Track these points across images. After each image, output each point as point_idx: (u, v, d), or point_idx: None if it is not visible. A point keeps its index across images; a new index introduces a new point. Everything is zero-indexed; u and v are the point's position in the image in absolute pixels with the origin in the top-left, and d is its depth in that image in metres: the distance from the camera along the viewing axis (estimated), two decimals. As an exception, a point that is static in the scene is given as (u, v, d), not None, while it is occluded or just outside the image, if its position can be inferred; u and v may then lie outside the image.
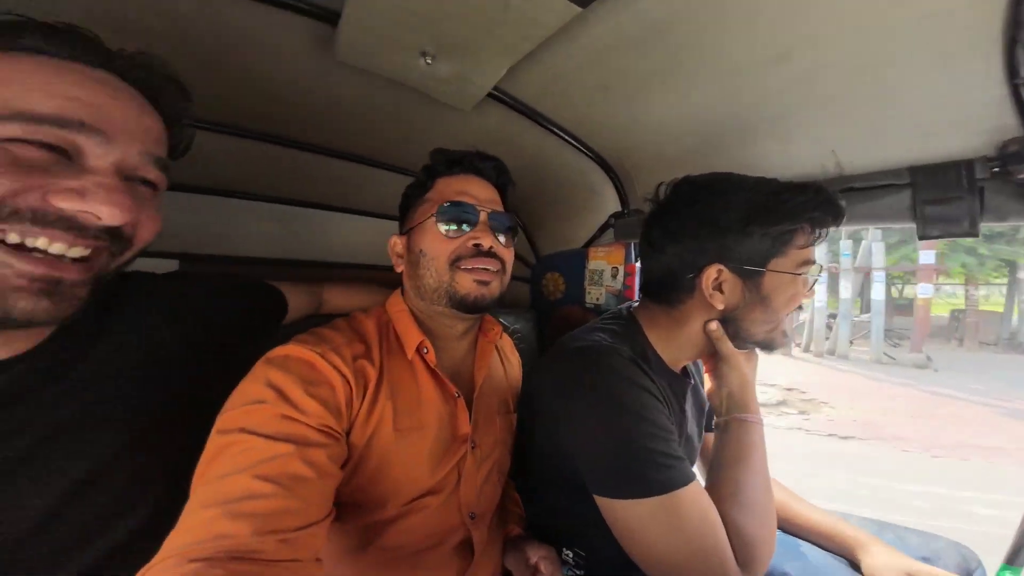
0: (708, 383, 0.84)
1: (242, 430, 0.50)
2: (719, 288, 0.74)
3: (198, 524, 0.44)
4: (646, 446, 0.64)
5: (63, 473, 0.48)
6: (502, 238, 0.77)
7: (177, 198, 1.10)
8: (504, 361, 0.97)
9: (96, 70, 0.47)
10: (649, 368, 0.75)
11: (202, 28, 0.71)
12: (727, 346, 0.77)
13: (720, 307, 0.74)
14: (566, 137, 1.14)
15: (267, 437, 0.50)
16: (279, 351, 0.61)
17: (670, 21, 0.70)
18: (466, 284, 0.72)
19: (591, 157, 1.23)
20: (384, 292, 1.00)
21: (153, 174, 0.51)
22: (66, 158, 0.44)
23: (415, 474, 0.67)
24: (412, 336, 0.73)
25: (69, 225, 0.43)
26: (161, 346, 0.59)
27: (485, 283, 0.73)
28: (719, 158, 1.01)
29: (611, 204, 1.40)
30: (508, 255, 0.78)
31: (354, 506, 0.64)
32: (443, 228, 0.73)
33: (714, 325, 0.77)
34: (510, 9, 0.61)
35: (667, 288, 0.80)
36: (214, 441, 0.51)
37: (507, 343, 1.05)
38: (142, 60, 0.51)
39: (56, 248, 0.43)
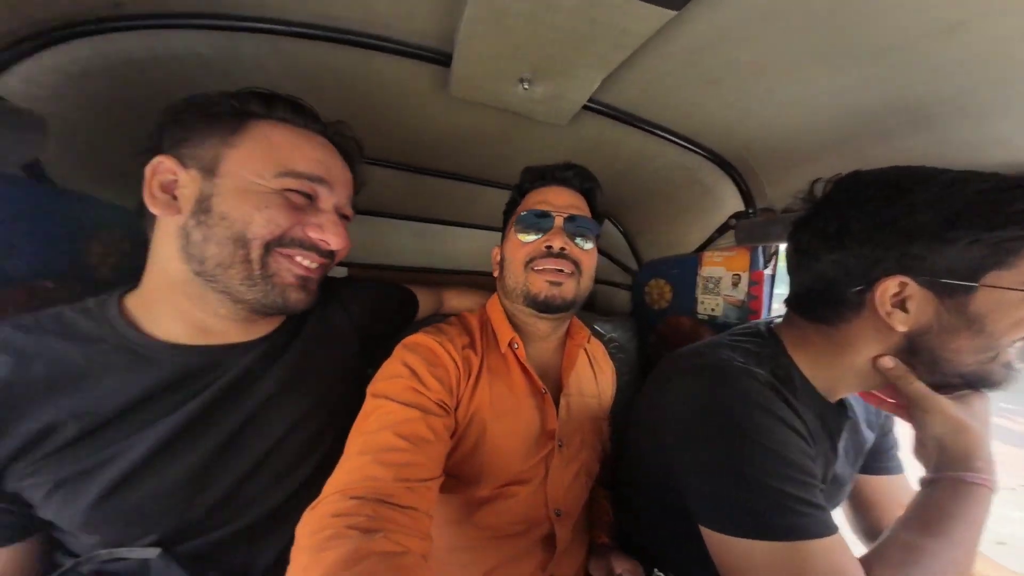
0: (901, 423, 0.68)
1: (385, 397, 0.64)
2: (901, 306, 0.59)
3: (355, 467, 0.56)
4: (775, 486, 0.56)
5: (273, 427, 0.64)
6: (581, 241, 0.79)
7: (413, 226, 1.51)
8: (594, 366, 0.95)
9: (317, 135, 0.66)
10: (793, 396, 0.63)
11: (356, 79, 0.84)
12: (916, 386, 0.60)
13: (902, 329, 0.60)
14: (670, 136, 1.05)
15: (402, 403, 0.63)
16: (412, 338, 0.75)
17: (784, 7, 0.59)
18: (538, 284, 0.76)
19: (703, 154, 1.10)
20: (487, 295, 1.11)
21: (349, 211, 0.71)
22: (311, 201, 0.63)
23: (506, 457, 0.72)
24: (505, 332, 0.80)
25: (314, 247, 0.63)
26: (338, 333, 0.78)
27: (557, 284, 0.76)
28: (879, 149, 0.81)
29: (730, 203, 1.23)
30: (586, 257, 0.80)
31: (455, 479, 0.71)
32: (521, 235, 0.80)
33: (889, 363, 0.61)
34: (597, 25, 0.62)
35: (824, 303, 0.66)
36: (366, 405, 0.65)
37: (598, 349, 1.02)
38: (341, 127, 0.71)
39: (307, 262, 0.63)
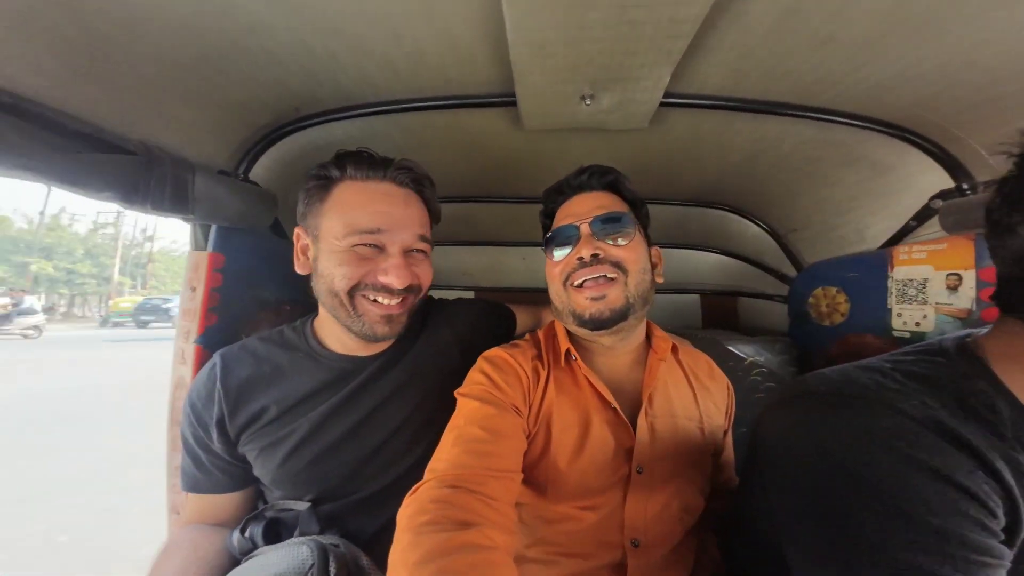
0: None
1: (470, 397, 0.70)
2: None
3: (448, 457, 0.62)
4: (902, 558, 0.41)
5: (388, 421, 0.78)
6: (616, 238, 0.73)
7: (471, 250, 1.67)
8: (695, 386, 0.81)
9: (383, 183, 0.74)
10: (995, 435, 0.44)
11: (451, 132, 0.96)
12: None
13: None
14: (790, 112, 0.85)
15: (484, 402, 0.69)
16: (489, 352, 0.80)
17: None
18: (581, 303, 0.73)
19: (858, 124, 0.86)
20: None
21: (422, 245, 0.77)
22: (381, 249, 0.72)
23: (573, 472, 0.69)
24: (562, 344, 0.78)
25: (387, 289, 0.72)
26: (444, 346, 0.88)
27: (599, 297, 0.71)
28: None
29: (925, 180, 0.90)
30: (627, 253, 0.73)
31: (529, 486, 0.71)
32: (553, 255, 0.78)
33: None
34: (638, 25, 0.59)
35: None
36: (458, 403, 0.72)
37: (703, 366, 0.87)
38: (403, 164, 0.76)
39: (386, 300, 0.73)
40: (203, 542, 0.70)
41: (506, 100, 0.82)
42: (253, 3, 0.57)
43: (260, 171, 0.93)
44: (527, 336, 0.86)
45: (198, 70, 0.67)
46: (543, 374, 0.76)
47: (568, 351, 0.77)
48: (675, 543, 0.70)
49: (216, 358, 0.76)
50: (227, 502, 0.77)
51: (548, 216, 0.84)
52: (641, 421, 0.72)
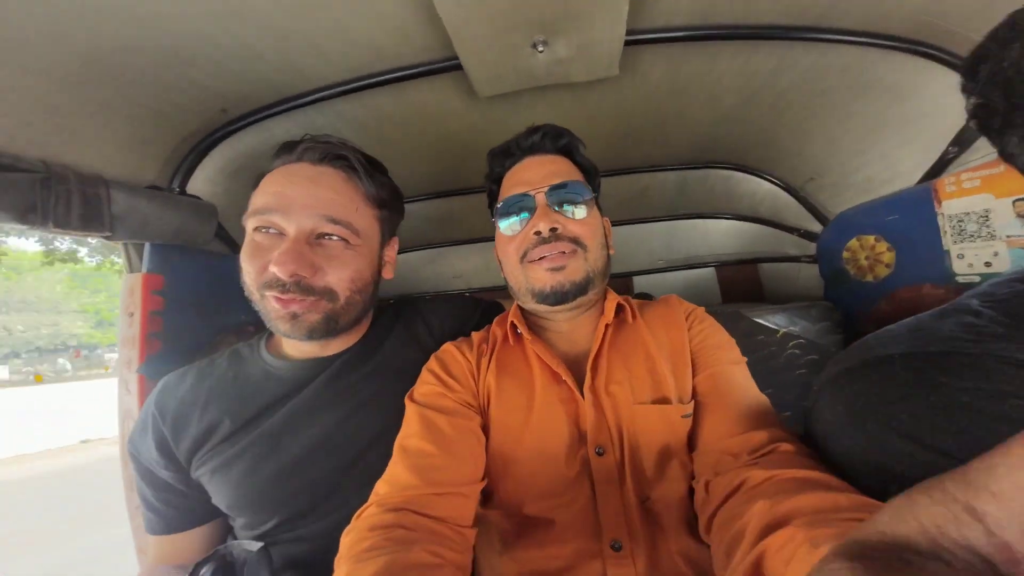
0: None
1: (414, 402, 0.64)
2: None
3: (391, 476, 0.57)
4: None
5: (366, 429, 0.68)
6: (572, 209, 0.67)
7: (459, 250, 1.57)
8: (655, 346, 0.66)
9: (296, 164, 0.65)
10: None
11: (399, 114, 0.87)
12: None
13: None
14: (784, 34, 0.73)
15: (428, 407, 0.63)
16: (441, 348, 0.73)
17: None
18: (539, 276, 0.65)
19: (868, 42, 0.73)
20: None
21: (330, 228, 0.64)
22: (278, 235, 0.63)
23: (525, 463, 0.61)
24: (509, 318, 0.72)
25: (277, 282, 0.61)
26: (420, 346, 0.78)
27: (559, 268, 0.64)
28: None
29: (955, 100, 0.74)
30: (583, 227, 0.67)
31: (491, 495, 0.64)
32: (504, 229, 0.70)
33: None
34: None
35: None
36: (407, 409, 0.65)
37: (660, 316, 0.71)
38: (319, 140, 0.67)
39: (281, 295, 0.62)
40: None
41: (449, 65, 0.73)
42: (151, 5, 0.52)
43: (201, 184, 0.87)
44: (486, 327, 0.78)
45: (96, 81, 0.62)
46: (486, 356, 0.70)
47: (513, 324, 0.70)
48: (667, 544, 0.57)
49: (159, 383, 0.70)
50: (187, 541, 0.69)
51: (495, 181, 0.75)
52: (586, 391, 0.62)
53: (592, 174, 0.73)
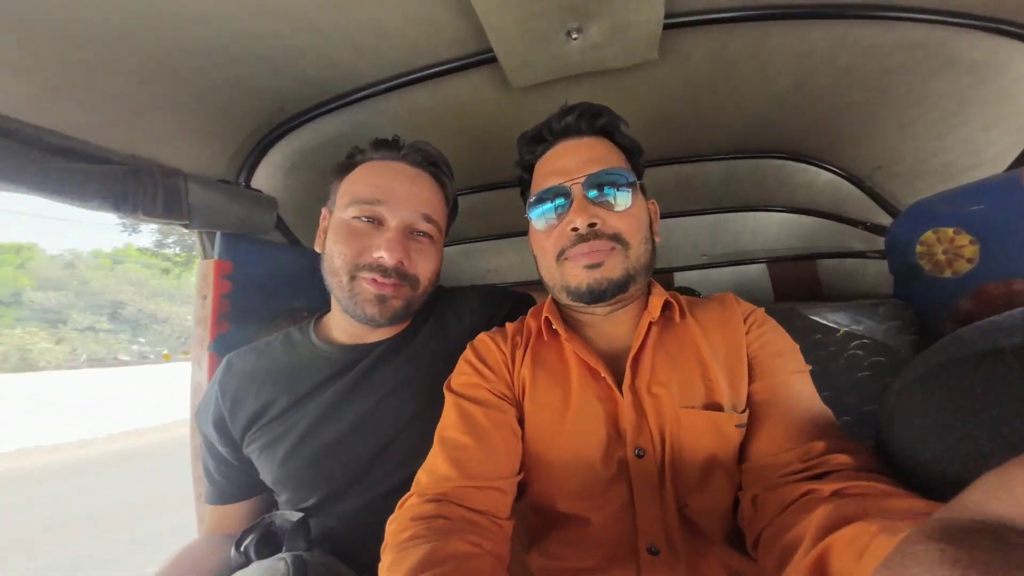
0: None
1: (452, 392, 0.65)
2: None
3: (431, 467, 0.58)
4: None
5: (396, 415, 0.72)
6: (614, 200, 0.61)
7: (493, 245, 1.56)
8: (706, 347, 0.61)
9: (396, 162, 0.73)
10: None
11: (441, 110, 0.90)
12: None
13: None
14: (842, 14, 0.68)
15: (466, 399, 0.62)
16: (476, 338, 0.72)
17: None
18: (575, 274, 0.61)
19: (941, 20, 0.67)
20: None
21: (425, 226, 0.72)
22: (380, 225, 0.69)
23: (559, 460, 0.59)
24: (544, 314, 0.69)
25: (380, 267, 0.68)
26: (453, 335, 0.81)
27: (596, 265, 0.60)
28: None
29: None
30: (625, 221, 0.61)
31: (526, 490, 0.63)
32: (538, 224, 0.65)
33: None
34: None
35: None
36: (445, 399, 0.65)
37: (716, 315, 0.65)
38: (419, 147, 0.75)
39: (379, 278, 0.69)
40: (208, 555, 0.68)
41: (483, 58, 0.74)
42: (201, 5, 0.56)
43: (263, 179, 0.94)
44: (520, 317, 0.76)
45: (173, 82, 0.68)
46: (521, 348, 0.68)
47: (547, 320, 0.67)
48: (708, 553, 0.54)
49: (223, 361, 0.76)
50: (238, 512, 0.75)
51: (526, 170, 0.70)
52: (625, 390, 0.59)
53: (635, 154, 0.68)
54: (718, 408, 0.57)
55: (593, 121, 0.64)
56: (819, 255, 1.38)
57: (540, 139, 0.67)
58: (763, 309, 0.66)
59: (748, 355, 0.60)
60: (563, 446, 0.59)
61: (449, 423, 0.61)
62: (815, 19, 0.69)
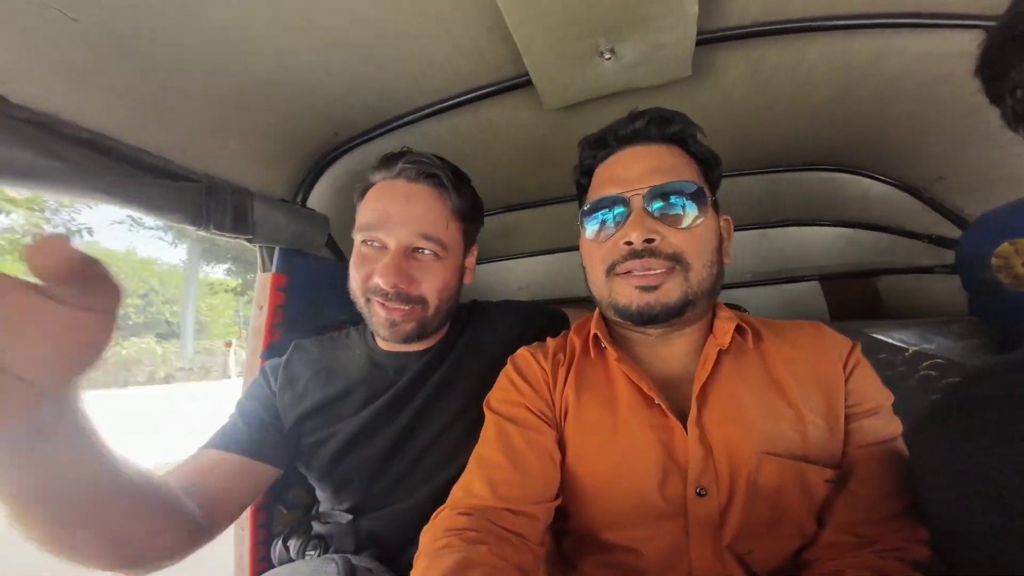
0: None
1: (491, 410, 0.63)
2: None
3: (466, 482, 0.57)
4: None
5: (433, 424, 0.74)
6: (681, 219, 0.55)
7: (525, 262, 1.59)
8: (785, 377, 0.56)
9: (395, 180, 0.72)
10: None
11: (482, 134, 0.93)
12: None
13: None
14: (882, 20, 0.66)
15: (504, 417, 0.61)
16: (516, 353, 0.70)
17: None
18: (625, 292, 0.57)
19: (985, 25, 0.63)
20: None
21: (421, 244, 0.70)
22: (381, 247, 0.70)
23: (603, 484, 0.56)
24: (591, 330, 0.65)
25: (381, 291, 0.69)
26: (486, 349, 0.82)
27: (650, 288, 0.55)
28: None
29: None
30: (688, 240, 0.55)
31: (566, 515, 0.59)
32: (590, 234, 0.61)
33: None
34: None
35: None
36: (486, 415, 0.64)
37: (802, 344, 0.59)
38: (413, 159, 0.72)
39: (385, 303, 0.69)
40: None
41: (519, 81, 0.77)
42: (272, 33, 0.62)
43: (317, 199, 1.01)
44: (564, 332, 0.73)
45: (249, 109, 0.75)
46: (564, 366, 0.64)
47: (596, 336, 0.63)
48: None
49: (291, 345, 0.82)
50: (244, 471, 0.66)
51: (585, 174, 0.66)
52: (691, 424, 0.53)
53: (711, 165, 0.61)
54: (807, 460, 0.51)
55: (664, 127, 0.59)
56: (881, 271, 1.30)
57: (603, 144, 0.63)
58: (858, 345, 0.59)
59: (846, 407, 0.54)
60: (608, 473, 0.55)
61: (486, 440, 0.60)
62: (855, 29, 0.68)
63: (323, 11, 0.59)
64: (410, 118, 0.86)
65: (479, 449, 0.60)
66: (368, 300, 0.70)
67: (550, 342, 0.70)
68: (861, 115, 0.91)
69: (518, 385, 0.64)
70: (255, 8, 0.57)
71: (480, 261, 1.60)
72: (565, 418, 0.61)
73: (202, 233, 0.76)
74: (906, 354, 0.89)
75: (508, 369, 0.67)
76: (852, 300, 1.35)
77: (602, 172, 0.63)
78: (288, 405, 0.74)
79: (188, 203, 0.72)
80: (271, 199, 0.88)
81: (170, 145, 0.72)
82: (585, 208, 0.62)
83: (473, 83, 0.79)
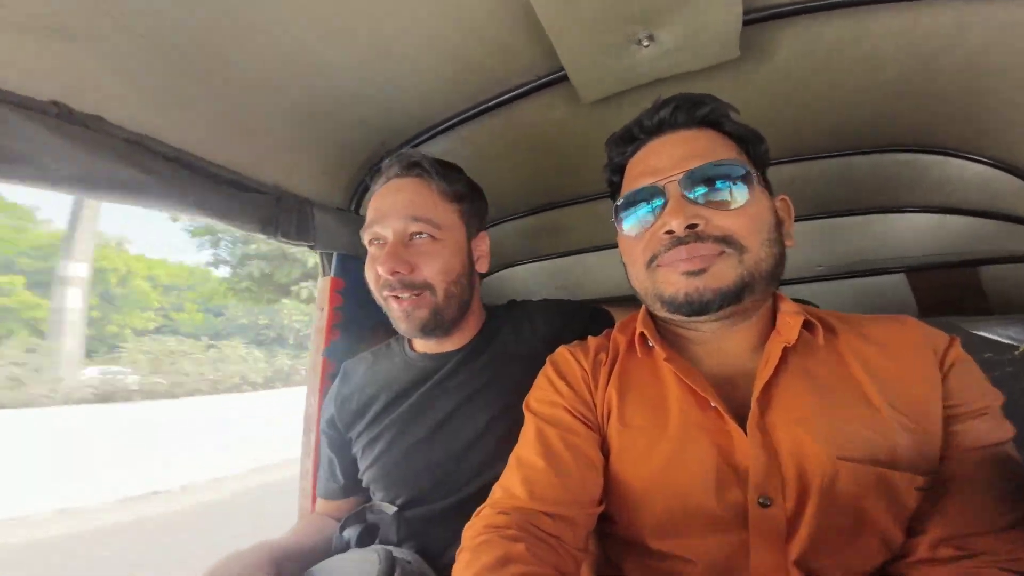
0: None
1: (530, 410, 0.62)
2: None
3: (506, 483, 0.56)
4: None
5: (472, 422, 0.75)
6: (725, 197, 0.52)
7: (563, 262, 1.49)
8: (864, 374, 0.50)
9: (387, 182, 0.76)
10: None
11: (518, 133, 0.94)
12: None
13: None
14: None
15: (542, 419, 0.60)
16: (555, 352, 0.68)
17: None
18: (671, 280, 0.53)
19: None
20: None
21: (416, 227, 0.72)
22: (384, 243, 0.74)
23: (651, 490, 0.53)
24: (637, 327, 0.62)
25: (386, 282, 0.72)
26: (525, 347, 0.82)
27: (698, 272, 0.51)
28: None
29: None
30: (738, 221, 0.51)
31: (611, 520, 0.57)
32: (627, 230, 0.58)
33: None
34: None
35: None
36: (525, 417, 0.63)
37: (885, 339, 0.53)
38: (396, 160, 0.77)
39: (396, 295, 0.73)
40: (323, 528, 0.79)
41: (554, 77, 0.77)
42: (325, 51, 0.67)
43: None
44: (609, 330, 0.71)
45: (311, 123, 0.82)
46: (606, 365, 0.62)
47: (643, 335, 0.60)
48: None
49: (340, 369, 0.87)
50: (339, 508, 0.84)
51: (615, 172, 0.64)
52: (751, 427, 0.49)
53: (753, 143, 0.58)
54: (892, 466, 0.45)
55: (693, 112, 0.57)
56: (982, 260, 1.13)
57: (630, 138, 0.61)
58: (958, 339, 0.52)
59: (945, 408, 0.47)
60: (656, 478, 0.52)
61: (525, 442, 0.60)
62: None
63: (366, 24, 0.63)
64: (449, 123, 0.88)
65: (518, 450, 0.59)
66: (385, 299, 0.74)
67: (591, 341, 0.68)
68: (944, 91, 0.80)
69: (557, 386, 0.62)
70: (311, 29, 0.63)
71: (521, 261, 1.59)
72: (608, 420, 0.58)
73: (271, 240, 0.84)
74: (1016, 352, 0.77)
75: (547, 369, 0.66)
76: (947, 293, 1.19)
77: (634, 166, 0.60)
78: (346, 423, 0.81)
79: (259, 213, 0.80)
80: (329, 207, 0.95)
81: (243, 160, 0.80)
82: (619, 203, 0.59)
83: (507, 83, 0.80)
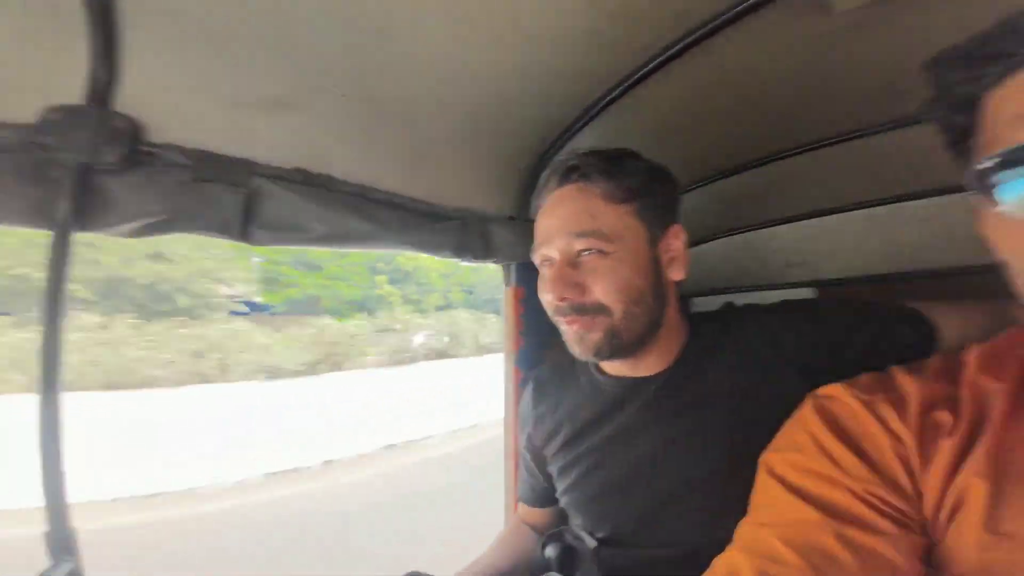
0: None
1: (772, 474, 0.44)
2: None
3: (734, 563, 0.41)
4: None
5: (683, 464, 0.64)
6: None
7: (792, 228, 1.09)
8: None
9: (556, 190, 0.66)
10: None
11: (715, 72, 0.74)
12: None
13: None
14: None
15: (797, 495, 0.41)
16: (826, 390, 0.47)
17: None
18: None
19: None
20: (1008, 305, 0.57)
21: (580, 244, 0.62)
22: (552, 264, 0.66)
23: None
24: None
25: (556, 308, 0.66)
26: (762, 370, 0.65)
27: None
28: None
29: None
30: None
31: None
32: (1007, 202, 0.34)
33: None
34: None
35: None
36: (757, 477, 0.46)
37: None
38: (563, 161, 0.67)
39: (567, 319, 0.65)
40: (522, 542, 0.83)
41: None
42: (480, 69, 0.66)
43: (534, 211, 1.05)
44: (928, 361, 0.47)
45: (485, 144, 0.83)
46: (948, 427, 0.40)
47: None
48: None
49: (531, 381, 0.86)
50: (537, 515, 0.87)
51: (962, 108, 0.39)
52: None
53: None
54: None
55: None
56: None
57: (993, 56, 0.36)
58: None
59: None
60: None
61: (760, 518, 0.43)
62: None
63: (509, 27, 0.59)
64: (620, 88, 0.74)
65: (751, 527, 0.43)
66: (559, 322, 0.68)
67: (904, 378, 0.44)
68: None
69: (835, 454, 0.42)
70: (457, 42, 0.61)
71: (722, 234, 1.22)
72: (952, 518, 0.38)
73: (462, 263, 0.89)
74: None
75: (810, 419, 0.45)
76: None
77: (1004, 103, 0.35)
78: (542, 441, 0.79)
79: (452, 239, 0.85)
80: (503, 219, 0.95)
81: (432, 190, 0.85)
82: (990, 164, 0.35)
83: (694, 18, 0.61)
